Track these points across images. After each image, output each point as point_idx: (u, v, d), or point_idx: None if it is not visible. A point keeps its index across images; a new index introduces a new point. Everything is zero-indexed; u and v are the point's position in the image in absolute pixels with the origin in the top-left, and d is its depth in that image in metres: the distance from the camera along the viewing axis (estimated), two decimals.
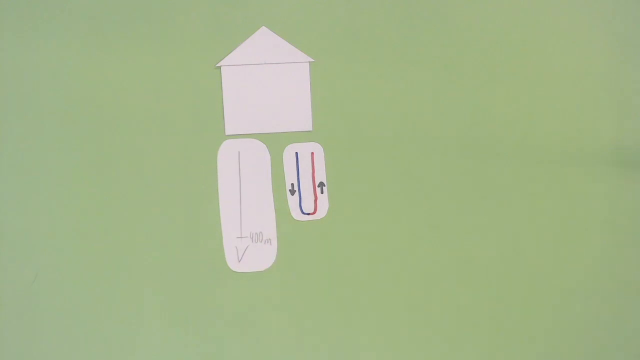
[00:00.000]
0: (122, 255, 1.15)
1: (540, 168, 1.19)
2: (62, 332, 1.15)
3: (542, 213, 1.19)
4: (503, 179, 1.19)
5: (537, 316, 1.19)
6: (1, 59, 1.15)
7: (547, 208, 1.19)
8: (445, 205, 1.18)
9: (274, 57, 1.18)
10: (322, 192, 1.18)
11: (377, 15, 1.19)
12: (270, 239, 1.17)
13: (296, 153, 1.18)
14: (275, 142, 1.18)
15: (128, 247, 1.15)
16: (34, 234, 1.15)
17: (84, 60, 1.16)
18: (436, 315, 1.18)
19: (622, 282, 1.20)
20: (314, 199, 1.18)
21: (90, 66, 1.16)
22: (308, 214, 1.18)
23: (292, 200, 1.18)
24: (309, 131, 1.18)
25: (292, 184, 1.18)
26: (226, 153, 1.17)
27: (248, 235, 1.17)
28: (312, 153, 1.18)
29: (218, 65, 1.17)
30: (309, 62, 1.18)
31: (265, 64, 1.18)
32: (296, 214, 1.18)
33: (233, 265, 1.17)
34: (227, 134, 1.17)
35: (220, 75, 1.17)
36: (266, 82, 1.18)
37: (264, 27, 1.18)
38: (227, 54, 1.17)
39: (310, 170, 1.18)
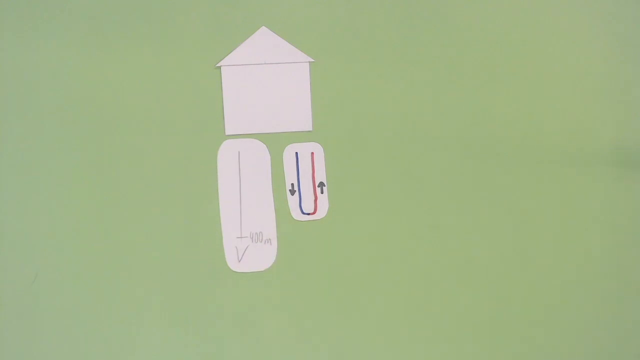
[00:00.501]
0: (122, 255, 1.15)
1: (540, 168, 1.19)
2: (62, 332, 1.15)
3: (542, 213, 1.19)
4: (503, 179, 1.19)
5: (537, 316, 1.19)
6: (1, 59, 1.15)
7: (547, 208, 1.19)
8: (445, 205, 1.18)
9: (274, 57, 1.18)
10: (322, 192, 1.18)
11: (377, 15, 1.19)
12: (270, 239, 1.17)
13: (296, 153, 1.18)
14: (275, 142, 1.18)
15: (128, 247, 1.15)
16: (34, 234, 1.15)
17: (84, 60, 1.16)
18: (436, 315, 1.18)
19: (622, 282, 1.20)
20: (314, 199, 1.18)
21: (90, 66, 1.16)
22: (308, 214, 1.18)
23: (292, 200, 1.18)
24: (309, 131, 1.18)
25: (292, 184, 1.18)
26: (226, 153, 1.17)
27: (248, 235, 1.17)
28: (312, 153, 1.18)
29: (218, 65, 1.17)
30: (309, 62, 1.18)
31: (265, 64, 1.18)
32: (296, 214, 1.18)
33: (233, 265, 1.17)
34: (227, 134, 1.17)
35: (220, 75, 1.17)
36: (266, 82, 1.18)
37: (264, 27, 1.18)
38: (227, 54, 1.17)
39: (310, 170, 1.18)
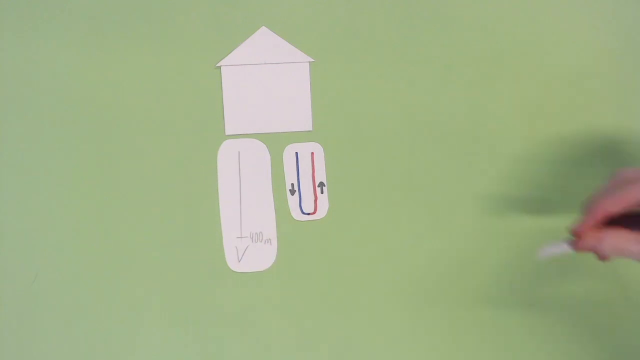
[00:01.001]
0: (122, 255, 1.15)
1: (541, 168, 1.19)
2: (62, 332, 1.15)
3: (542, 213, 1.19)
4: (504, 179, 1.19)
5: (537, 316, 1.18)
6: (1, 59, 1.15)
7: (547, 208, 1.19)
8: (446, 205, 1.18)
9: (274, 57, 1.18)
10: (322, 192, 1.18)
11: (377, 15, 1.19)
12: (270, 239, 1.17)
13: (296, 153, 1.18)
14: (275, 142, 1.18)
15: (128, 247, 1.15)
16: (34, 234, 1.15)
17: (84, 60, 1.16)
18: (436, 315, 1.18)
19: (622, 282, 1.20)
20: (314, 199, 1.18)
21: (90, 66, 1.16)
22: (308, 214, 1.18)
23: (292, 200, 1.18)
24: (309, 131, 1.18)
25: (292, 184, 1.18)
26: (226, 153, 1.17)
27: (248, 235, 1.17)
28: (312, 153, 1.18)
29: (218, 65, 1.17)
30: (309, 62, 1.18)
31: (265, 64, 1.18)
32: (296, 214, 1.18)
33: (233, 265, 1.17)
34: (227, 134, 1.17)
35: (220, 75, 1.17)
36: (266, 82, 1.18)
37: (264, 27, 1.18)
38: (227, 54, 1.17)
39: (310, 170, 1.18)
